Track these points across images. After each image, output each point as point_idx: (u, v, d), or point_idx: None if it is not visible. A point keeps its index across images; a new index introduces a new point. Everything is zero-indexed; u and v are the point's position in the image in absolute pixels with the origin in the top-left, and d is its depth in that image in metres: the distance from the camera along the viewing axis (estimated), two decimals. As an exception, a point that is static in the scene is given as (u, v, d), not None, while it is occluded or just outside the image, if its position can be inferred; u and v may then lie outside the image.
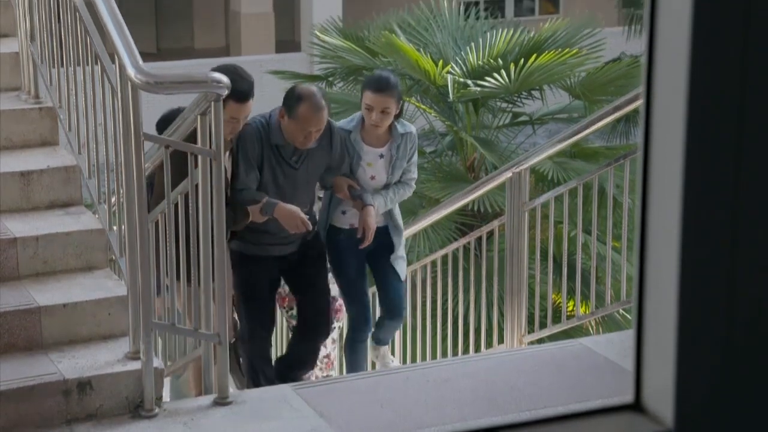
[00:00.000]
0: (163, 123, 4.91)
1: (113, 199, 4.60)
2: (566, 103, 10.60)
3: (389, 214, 5.78)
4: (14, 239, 4.44)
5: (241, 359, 5.68)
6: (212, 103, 3.98)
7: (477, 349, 7.04)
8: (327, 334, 5.82)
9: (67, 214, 4.70)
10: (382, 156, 5.67)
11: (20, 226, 4.53)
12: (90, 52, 4.48)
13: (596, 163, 9.32)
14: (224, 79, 3.99)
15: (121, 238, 4.34)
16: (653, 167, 1.06)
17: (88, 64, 4.54)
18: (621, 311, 8.00)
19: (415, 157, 5.78)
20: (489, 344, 6.75)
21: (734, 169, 1.02)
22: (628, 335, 5.09)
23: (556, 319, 6.87)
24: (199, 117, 4.06)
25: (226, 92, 4.00)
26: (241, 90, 4.90)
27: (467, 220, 9.28)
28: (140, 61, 3.94)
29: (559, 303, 8.13)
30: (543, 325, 6.63)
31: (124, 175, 4.05)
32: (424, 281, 7.16)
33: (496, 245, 6.57)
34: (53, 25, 4.83)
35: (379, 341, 6.07)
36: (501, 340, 6.46)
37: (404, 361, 7.12)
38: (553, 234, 8.07)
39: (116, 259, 4.50)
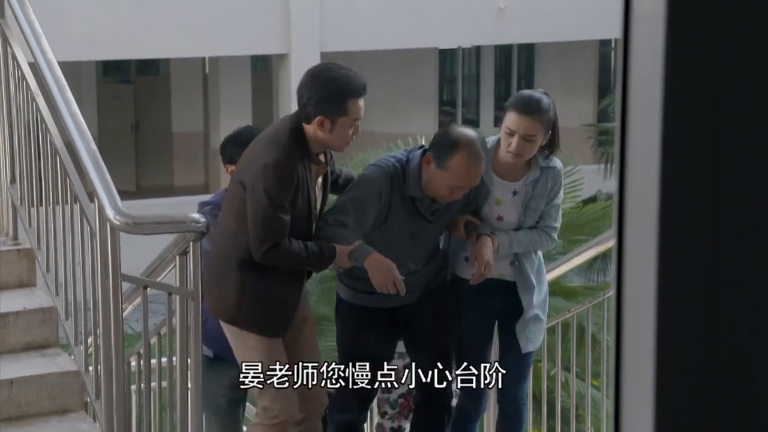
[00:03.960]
0: (233, 141, 4.69)
1: (89, 340, 4.56)
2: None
3: (519, 266, 4.61)
4: (-12, 382, 4.40)
5: None
6: (191, 243, 3.95)
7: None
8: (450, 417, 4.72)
9: (42, 357, 4.66)
10: (515, 192, 4.54)
11: (-5, 369, 4.49)
12: (69, 193, 4.50)
13: (575, 301, 9.32)
14: (202, 219, 3.97)
15: (97, 380, 4.29)
16: (627, 306, 1.07)
17: (67, 204, 4.56)
18: (602, 451, 7.92)
19: (559, 200, 4.60)
20: (470, 486, 6.65)
21: (708, 311, 1.02)
22: (610, 476, 5.02)
23: (537, 459, 6.78)
24: (177, 257, 4.03)
25: (204, 231, 3.94)
26: (364, 82, 4.16)
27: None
28: (119, 203, 3.95)
29: (540, 442, 8.03)
30: (524, 466, 6.54)
31: (101, 316, 4.02)
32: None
33: (476, 384, 6.52)
34: (33, 167, 4.86)
35: None
36: (482, 482, 6.36)
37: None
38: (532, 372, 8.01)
39: (91, 402, 4.45)
